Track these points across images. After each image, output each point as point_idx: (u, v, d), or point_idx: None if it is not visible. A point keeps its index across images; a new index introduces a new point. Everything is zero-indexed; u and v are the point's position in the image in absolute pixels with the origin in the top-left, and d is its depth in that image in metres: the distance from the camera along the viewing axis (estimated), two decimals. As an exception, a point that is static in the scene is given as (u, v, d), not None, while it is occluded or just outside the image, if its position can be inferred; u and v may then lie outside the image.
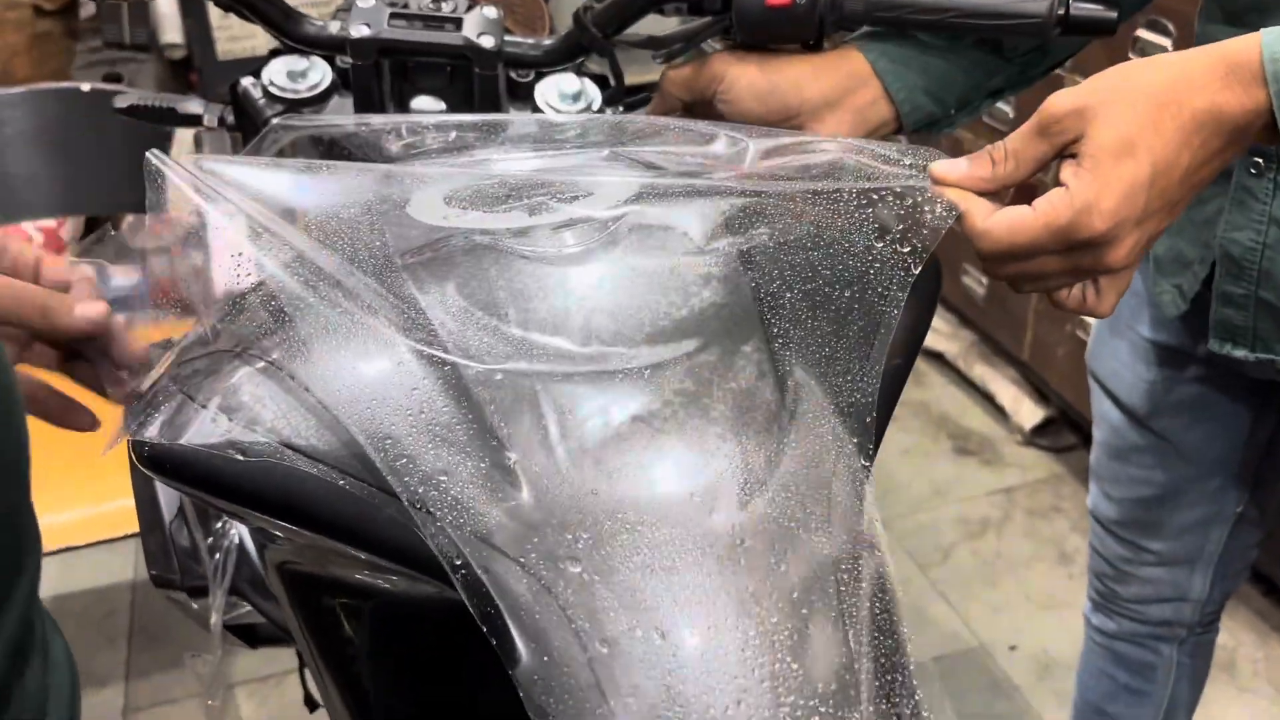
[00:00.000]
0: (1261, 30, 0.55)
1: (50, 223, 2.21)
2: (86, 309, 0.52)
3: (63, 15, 2.79)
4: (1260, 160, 0.77)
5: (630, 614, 0.44)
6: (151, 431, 0.48)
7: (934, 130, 0.78)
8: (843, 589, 0.47)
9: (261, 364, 0.50)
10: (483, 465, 0.46)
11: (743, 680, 0.43)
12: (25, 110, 1.49)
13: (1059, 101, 0.57)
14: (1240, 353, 0.83)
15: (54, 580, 1.85)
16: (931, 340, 2.34)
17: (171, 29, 2.90)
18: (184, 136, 1.63)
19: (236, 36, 2.84)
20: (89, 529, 1.32)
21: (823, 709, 0.44)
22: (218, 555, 0.71)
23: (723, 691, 0.43)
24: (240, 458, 0.47)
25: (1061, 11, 0.68)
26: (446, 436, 0.46)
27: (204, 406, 0.49)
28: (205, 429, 0.48)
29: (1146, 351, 0.98)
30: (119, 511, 1.34)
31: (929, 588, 1.81)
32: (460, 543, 0.44)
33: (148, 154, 0.54)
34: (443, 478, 0.44)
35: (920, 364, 2.36)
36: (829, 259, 0.54)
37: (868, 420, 0.51)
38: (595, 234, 0.53)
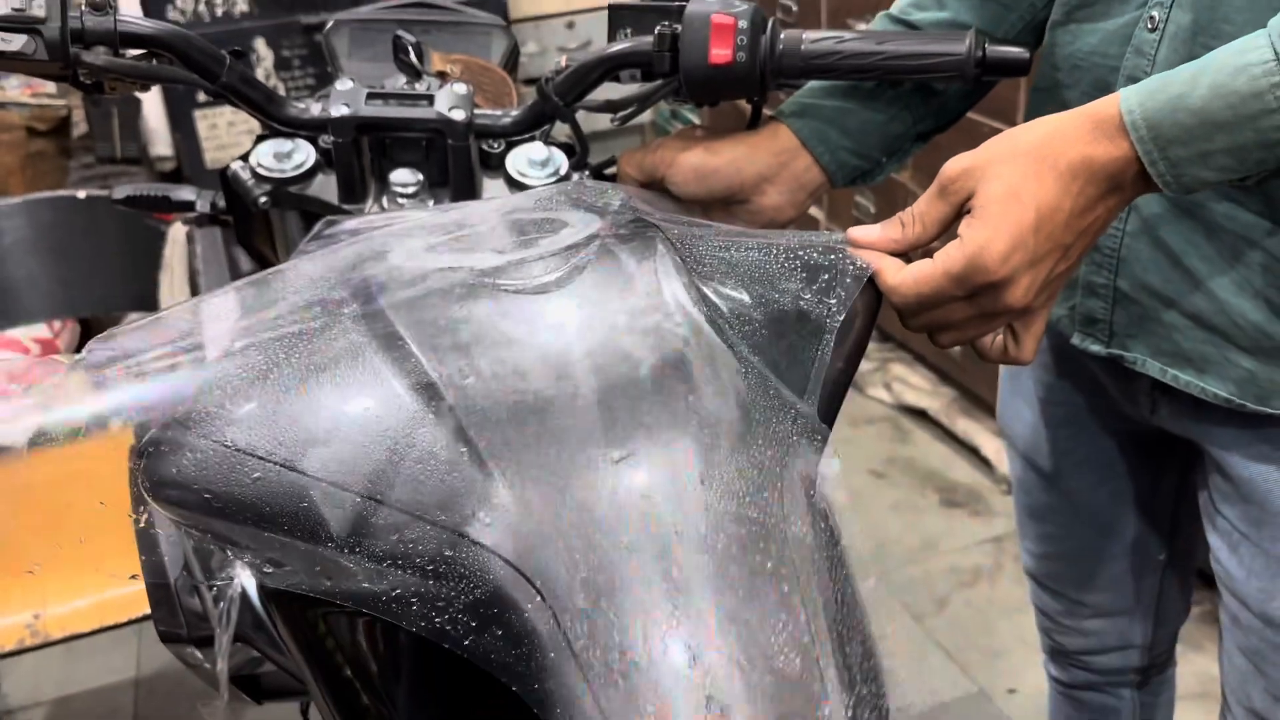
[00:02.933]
0: (1120, 90, 0.62)
1: (47, 333, 2.27)
2: None
3: (55, 134, 2.89)
4: None
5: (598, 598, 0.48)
6: (162, 464, 0.52)
7: (867, 180, 0.84)
8: (802, 580, 0.51)
9: (264, 398, 0.55)
10: (465, 475, 0.50)
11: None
12: (24, 219, 1.56)
13: (953, 165, 0.64)
14: (1096, 348, 0.83)
15: (57, 680, 1.85)
16: (914, 397, 2.39)
17: (161, 142, 3.01)
18: (177, 235, 1.69)
19: (224, 145, 2.94)
20: (92, 617, 1.35)
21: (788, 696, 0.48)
22: (222, 604, 0.74)
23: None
24: (245, 480, 0.51)
25: (979, 53, 0.74)
26: (428, 451, 0.50)
27: (208, 439, 0.53)
28: (211, 460, 0.52)
29: (1048, 411, 1.00)
30: (121, 599, 1.37)
31: (926, 638, 1.83)
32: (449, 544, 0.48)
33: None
34: (427, 490, 0.49)
35: (904, 421, 2.41)
36: (768, 295, 0.59)
37: (815, 428, 0.56)
38: (561, 267, 0.58)
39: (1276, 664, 0.82)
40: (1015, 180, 0.61)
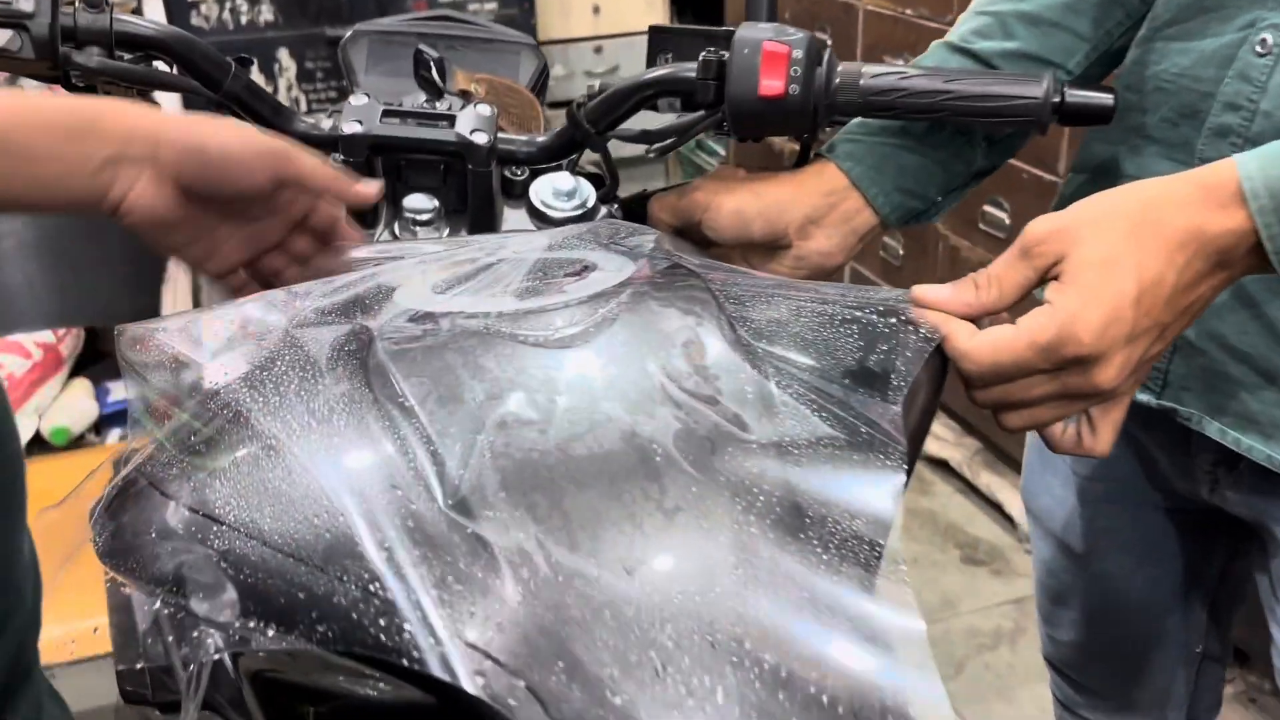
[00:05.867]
0: (1234, 156, 0.55)
1: (50, 339, 2.21)
2: (367, 185, 0.68)
3: (71, 136, 2.84)
4: None
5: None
6: (114, 525, 0.46)
7: (920, 221, 0.78)
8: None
9: (239, 453, 0.48)
10: (462, 561, 0.43)
11: None
12: (24, 223, 1.50)
13: (1040, 224, 0.57)
14: (1144, 397, 0.76)
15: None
16: (935, 448, 2.31)
17: (177, 149, 2.96)
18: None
19: (241, 155, 2.90)
20: (71, 646, 1.28)
21: None
22: (191, 667, 0.67)
23: None
24: (205, 552, 0.44)
25: (1058, 99, 0.67)
26: (424, 528, 0.43)
27: (172, 499, 0.46)
28: (170, 522, 0.45)
29: (1082, 487, 0.92)
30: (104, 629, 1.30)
31: (942, 703, 1.75)
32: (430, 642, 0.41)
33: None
34: (419, 569, 0.42)
35: (925, 472, 2.33)
36: (823, 364, 0.52)
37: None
38: (587, 317, 0.51)
39: None
40: (1114, 246, 0.54)
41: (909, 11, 2.18)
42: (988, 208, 2.03)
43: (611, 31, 3.22)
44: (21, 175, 0.55)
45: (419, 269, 0.58)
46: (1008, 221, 2.00)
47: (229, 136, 0.60)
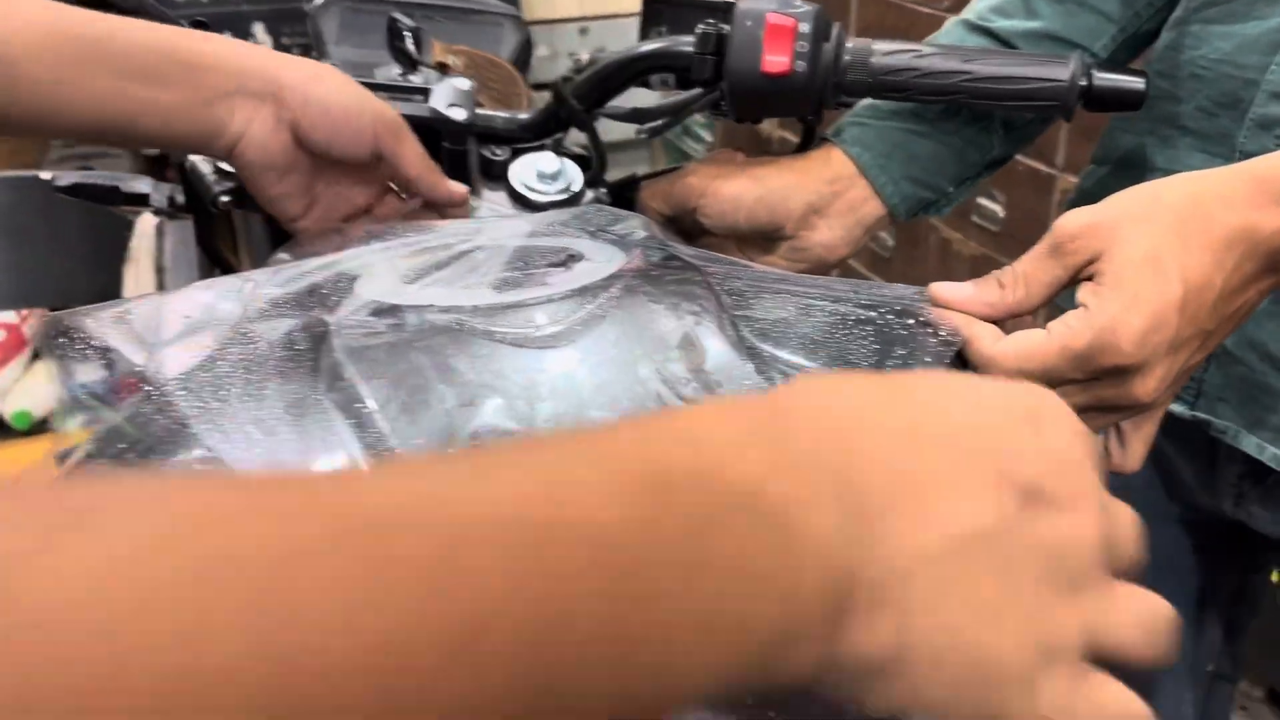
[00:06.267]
0: None
1: (13, 318, 2.13)
2: (456, 187, 0.67)
3: (36, 109, 2.75)
4: None
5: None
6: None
7: (929, 213, 0.73)
8: None
9: (175, 466, 0.42)
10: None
11: None
12: (-21, 198, 1.42)
13: (1073, 219, 0.51)
14: (1178, 408, 0.72)
15: None
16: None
17: (148, 125, 2.88)
18: (145, 228, 1.56)
19: (214, 133, 2.82)
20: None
21: None
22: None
23: None
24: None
25: (1084, 83, 0.62)
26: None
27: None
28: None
29: None
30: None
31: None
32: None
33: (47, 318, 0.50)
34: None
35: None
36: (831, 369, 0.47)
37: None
38: (573, 314, 0.46)
39: None
40: (1157, 244, 0.49)
41: (903, -4, 2.13)
42: (982, 200, 1.98)
43: (598, 13, 3.16)
44: (151, 102, 0.56)
45: (385, 255, 0.52)
46: (1002, 214, 1.95)
47: (350, 96, 0.61)
